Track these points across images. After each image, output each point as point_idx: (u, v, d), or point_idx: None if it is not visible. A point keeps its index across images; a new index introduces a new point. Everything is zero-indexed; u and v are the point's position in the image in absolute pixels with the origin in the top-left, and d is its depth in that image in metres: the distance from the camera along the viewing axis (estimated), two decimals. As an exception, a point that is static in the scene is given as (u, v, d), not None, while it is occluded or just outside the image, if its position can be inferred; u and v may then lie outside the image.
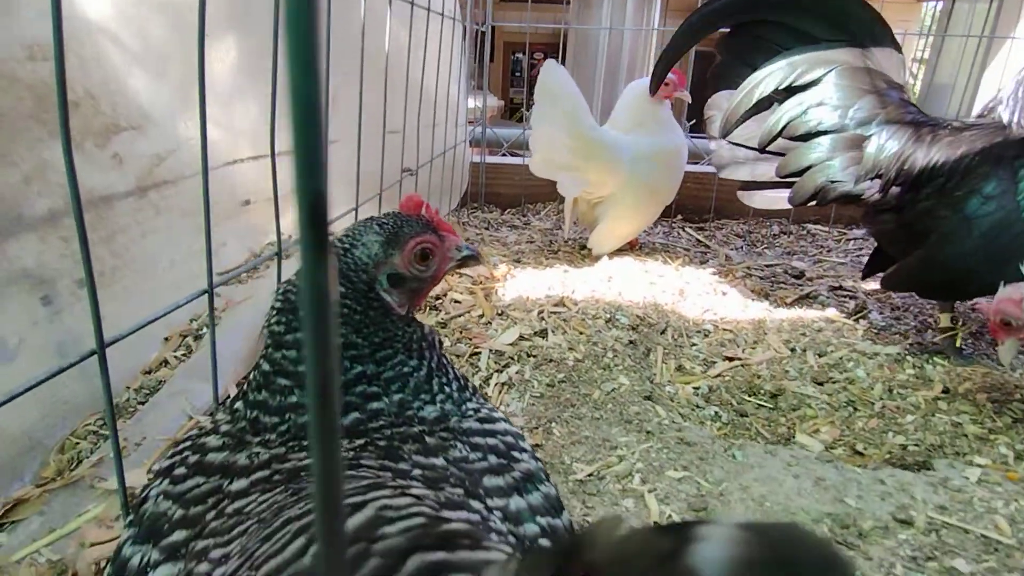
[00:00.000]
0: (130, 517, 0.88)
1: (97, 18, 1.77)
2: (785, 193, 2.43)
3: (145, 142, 1.92)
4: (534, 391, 1.93)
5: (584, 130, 2.87)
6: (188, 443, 0.91)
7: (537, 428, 1.76)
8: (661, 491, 1.51)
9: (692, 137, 3.85)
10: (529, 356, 2.10)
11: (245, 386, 0.97)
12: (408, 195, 1.12)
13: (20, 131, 1.52)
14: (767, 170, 2.45)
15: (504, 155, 4.52)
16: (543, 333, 2.24)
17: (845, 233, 3.99)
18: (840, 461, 1.67)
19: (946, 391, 2.01)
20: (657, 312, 2.48)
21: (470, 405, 1.05)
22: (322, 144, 0.22)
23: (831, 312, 2.61)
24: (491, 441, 0.97)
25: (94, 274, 0.96)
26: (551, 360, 2.07)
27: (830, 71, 2.26)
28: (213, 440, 0.92)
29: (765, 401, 2.03)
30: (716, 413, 1.97)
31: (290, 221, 2.36)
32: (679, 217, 4.17)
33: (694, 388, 2.07)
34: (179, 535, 0.80)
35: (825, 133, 2.27)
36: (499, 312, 2.39)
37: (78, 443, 1.49)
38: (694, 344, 2.35)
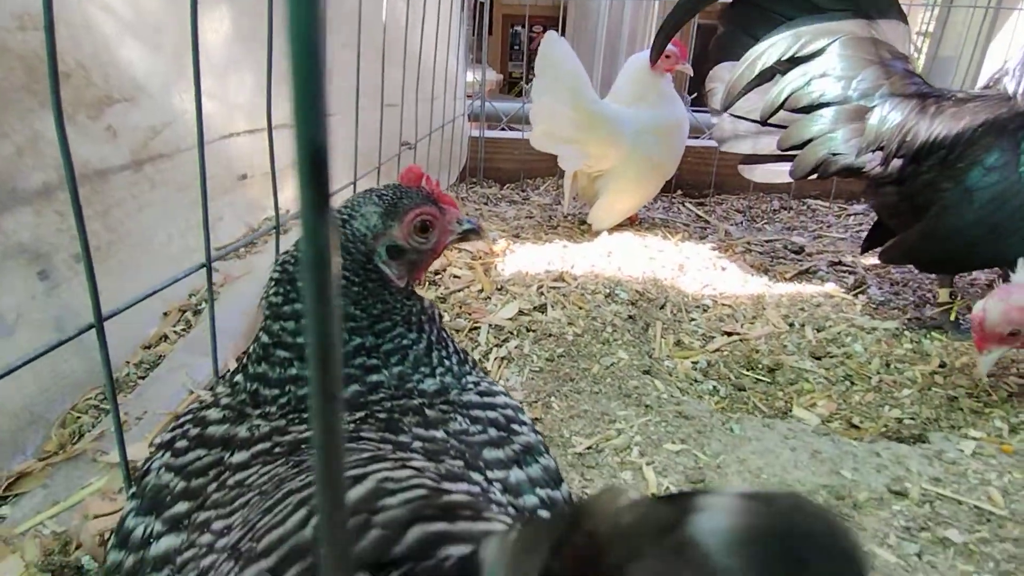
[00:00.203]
0: (132, 489, 0.89)
1: (87, -14, 1.73)
2: (787, 167, 2.41)
3: (139, 114, 1.90)
4: (533, 365, 1.93)
5: (585, 103, 2.84)
6: (189, 416, 0.92)
7: (536, 402, 1.77)
8: (659, 464, 1.52)
9: (693, 111, 3.81)
10: (528, 331, 2.10)
11: (245, 359, 0.97)
12: (408, 166, 1.11)
13: (11, 102, 1.49)
14: (769, 143, 2.42)
15: (503, 129, 4.48)
16: (542, 308, 2.24)
17: (846, 208, 3.98)
18: (836, 434, 1.69)
19: (943, 365, 2.02)
20: (656, 287, 2.48)
21: (470, 378, 1.05)
22: (323, 92, 0.21)
23: (830, 287, 2.61)
24: (491, 414, 0.97)
25: (90, 248, 0.96)
26: (550, 335, 2.07)
27: (834, 41, 2.22)
28: (214, 413, 0.92)
29: (763, 375, 2.04)
30: (714, 387, 1.98)
31: (288, 195, 2.35)
32: (679, 192, 4.15)
33: (692, 363, 2.08)
34: (181, 507, 0.80)
35: (828, 105, 2.25)
36: (498, 287, 2.39)
37: (79, 417, 1.49)
38: (693, 319, 2.35)
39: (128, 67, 1.86)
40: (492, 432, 0.94)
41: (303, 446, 0.85)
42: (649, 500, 0.32)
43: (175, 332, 1.88)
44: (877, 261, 2.48)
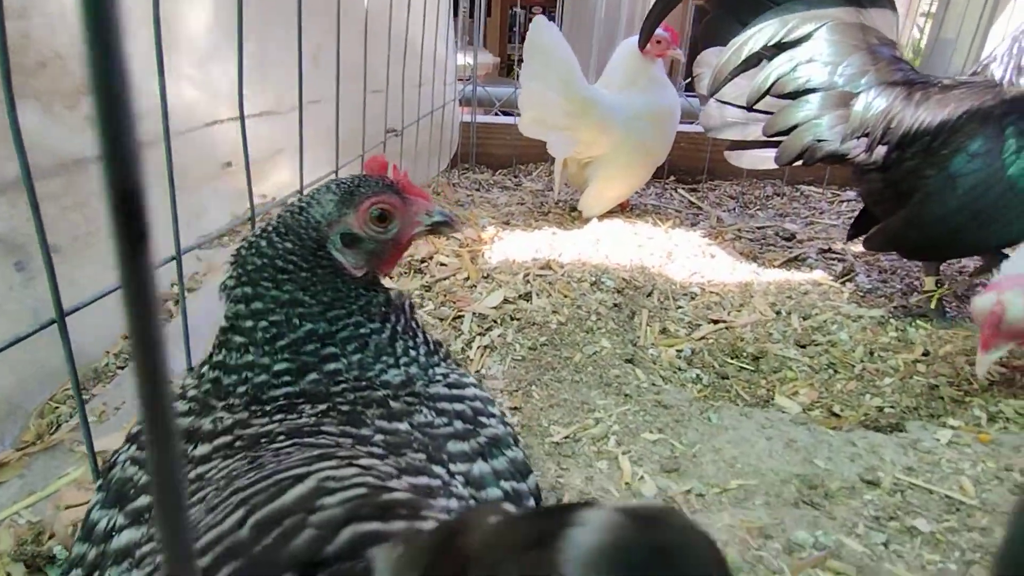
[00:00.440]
0: (99, 481, 0.90)
1: (61, -26, 1.71)
2: (773, 153, 2.39)
3: (118, 103, 1.88)
4: (515, 354, 1.94)
5: (575, 89, 2.81)
6: (154, 409, 0.92)
7: (517, 391, 1.77)
8: (635, 453, 1.53)
9: (687, 96, 3.77)
10: (512, 319, 2.10)
11: (212, 349, 0.98)
12: (373, 156, 1.10)
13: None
14: (756, 130, 2.41)
15: (496, 114, 4.44)
16: (527, 296, 2.24)
17: (839, 195, 3.95)
18: (814, 423, 1.69)
19: (926, 354, 2.02)
20: (644, 275, 2.47)
21: (438, 370, 1.05)
22: (133, 133, 0.21)
23: (818, 275, 2.61)
24: (458, 407, 0.98)
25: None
26: (534, 323, 2.07)
27: (821, 26, 2.19)
28: (180, 405, 0.93)
29: (747, 363, 2.04)
30: (697, 376, 1.98)
31: (271, 183, 2.32)
32: (672, 178, 4.12)
33: (677, 351, 2.08)
34: (143, 500, 0.81)
35: (814, 91, 2.23)
36: (484, 275, 2.39)
37: (57, 407, 1.50)
38: (680, 307, 2.35)
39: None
40: (458, 425, 0.95)
41: (263, 440, 0.86)
42: (529, 514, 0.32)
43: (158, 321, 1.88)
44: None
